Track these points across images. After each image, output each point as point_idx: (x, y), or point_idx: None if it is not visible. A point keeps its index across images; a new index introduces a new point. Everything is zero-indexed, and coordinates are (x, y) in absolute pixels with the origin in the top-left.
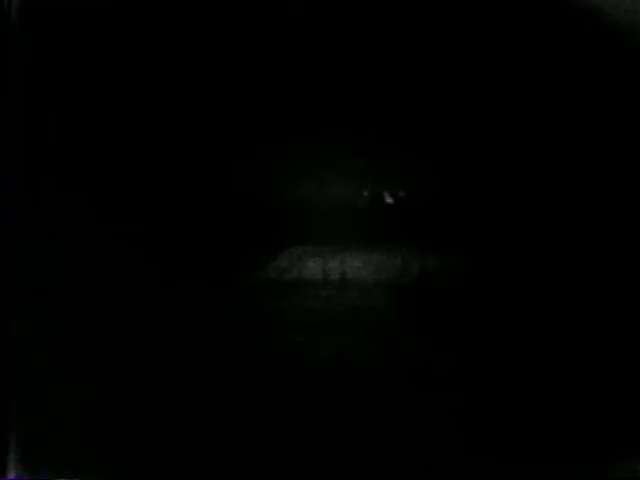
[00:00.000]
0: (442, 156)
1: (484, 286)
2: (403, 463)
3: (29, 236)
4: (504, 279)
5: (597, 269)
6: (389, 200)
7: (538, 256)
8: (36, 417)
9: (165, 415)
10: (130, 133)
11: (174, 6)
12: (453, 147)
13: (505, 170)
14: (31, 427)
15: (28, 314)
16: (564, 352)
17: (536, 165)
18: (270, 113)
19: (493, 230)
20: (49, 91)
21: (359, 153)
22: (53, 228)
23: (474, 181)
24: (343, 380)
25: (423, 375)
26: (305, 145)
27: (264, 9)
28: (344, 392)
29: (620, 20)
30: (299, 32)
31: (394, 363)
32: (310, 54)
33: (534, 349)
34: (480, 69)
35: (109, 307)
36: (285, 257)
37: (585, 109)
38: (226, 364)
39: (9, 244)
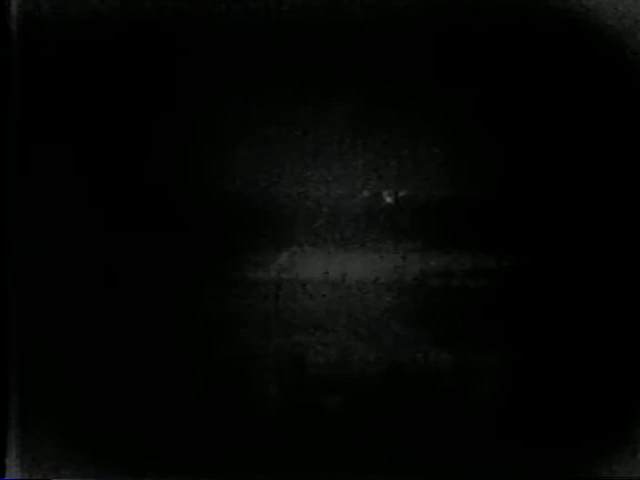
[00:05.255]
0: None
1: (483, 287)
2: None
3: (28, 236)
4: (500, 279)
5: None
6: (389, 200)
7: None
8: (36, 417)
9: (163, 416)
10: (126, 133)
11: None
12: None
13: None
14: (31, 427)
15: (28, 314)
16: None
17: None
18: (265, 115)
19: (490, 232)
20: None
21: (359, 154)
22: (50, 229)
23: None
24: (345, 378)
25: (424, 374)
26: (306, 146)
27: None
28: (344, 391)
29: None
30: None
31: (397, 362)
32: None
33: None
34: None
35: (110, 309)
36: (285, 256)
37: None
38: (226, 363)
39: (9, 244)
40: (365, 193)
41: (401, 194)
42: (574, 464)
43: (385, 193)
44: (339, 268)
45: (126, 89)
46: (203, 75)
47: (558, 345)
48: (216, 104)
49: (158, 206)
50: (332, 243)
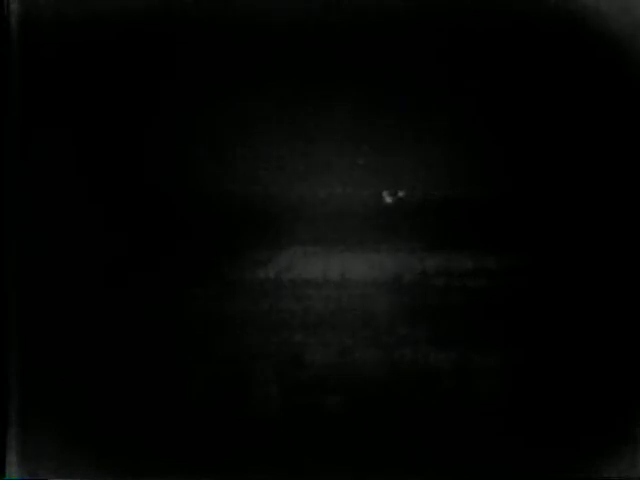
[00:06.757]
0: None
1: (482, 287)
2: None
3: (28, 236)
4: (500, 279)
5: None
6: (389, 200)
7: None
8: (36, 417)
9: (162, 418)
10: (126, 133)
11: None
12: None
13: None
14: (31, 427)
15: (28, 314)
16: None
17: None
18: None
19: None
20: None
21: (359, 155)
22: (48, 229)
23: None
24: (345, 378)
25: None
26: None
27: None
28: (344, 391)
29: None
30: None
31: (394, 361)
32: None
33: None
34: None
35: (110, 309)
36: (285, 256)
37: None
38: (226, 363)
39: (9, 244)
40: (365, 193)
41: (401, 194)
42: (574, 464)
43: (385, 193)
44: (339, 268)
45: (126, 89)
46: (202, 75)
47: (558, 345)
48: (216, 104)
49: (158, 206)
50: (332, 243)
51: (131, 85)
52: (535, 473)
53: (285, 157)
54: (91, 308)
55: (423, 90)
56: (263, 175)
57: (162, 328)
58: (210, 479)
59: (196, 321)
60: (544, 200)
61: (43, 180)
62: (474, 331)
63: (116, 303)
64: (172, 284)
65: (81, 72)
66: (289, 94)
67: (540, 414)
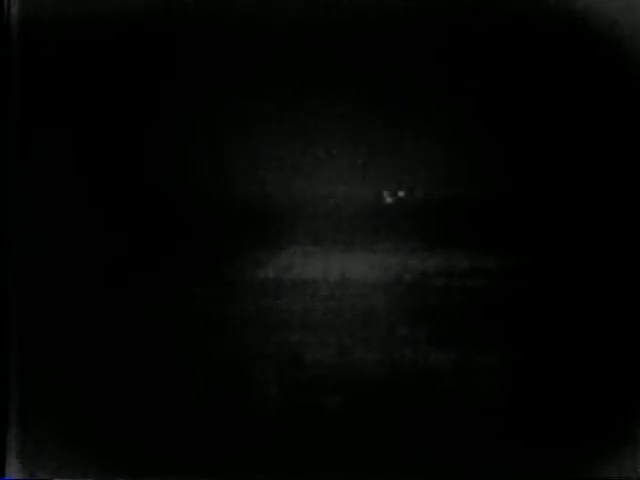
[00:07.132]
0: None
1: (482, 287)
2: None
3: (28, 236)
4: (500, 279)
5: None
6: (388, 200)
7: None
8: (36, 417)
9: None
10: (126, 133)
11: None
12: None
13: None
14: (31, 427)
15: (28, 314)
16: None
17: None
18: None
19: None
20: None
21: (359, 154)
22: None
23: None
24: (345, 378)
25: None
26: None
27: None
28: (344, 391)
29: None
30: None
31: (393, 362)
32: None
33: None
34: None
35: (110, 309)
36: (285, 256)
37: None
38: (226, 363)
39: (9, 244)
40: (365, 193)
41: (401, 194)
42: (574, 464)
43: (385, 193)
44: (339, 268)
45: (126, 89)
46: (202, 75)
47: (558, 345)
48: (216, 104)
49: (158, 206)
50: (332, 243)
51: (131, 85)
52: (535, 473)
53: (285, 157)
54: (91, 308)
55: (423, 90)
56: (263, 175)
57: (162, 328)
58: (210, 479)
59: (196, 321)
60: (544, 200)
61: (43, 180)
62: (474, 331)
63: (116, 303)
64: (172, 284)
65: (81, 72)
66: (289, 94)
67: (540, 414)
